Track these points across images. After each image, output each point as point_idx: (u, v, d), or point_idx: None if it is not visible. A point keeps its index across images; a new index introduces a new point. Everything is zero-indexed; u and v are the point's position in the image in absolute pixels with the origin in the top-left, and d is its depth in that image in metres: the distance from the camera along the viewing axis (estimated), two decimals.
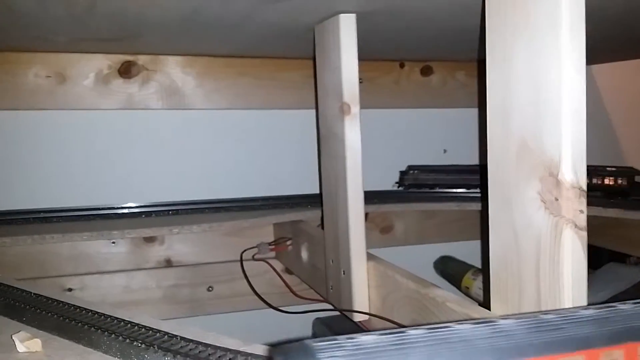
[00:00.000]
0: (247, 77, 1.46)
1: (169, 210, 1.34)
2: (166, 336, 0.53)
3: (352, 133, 0.92)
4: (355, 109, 0.92)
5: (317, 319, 1.45)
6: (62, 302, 0.63)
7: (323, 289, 1.11)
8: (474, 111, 1.65)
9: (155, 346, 0.50)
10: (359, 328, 1.00)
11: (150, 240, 1.35)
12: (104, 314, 0.59)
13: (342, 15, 0.91)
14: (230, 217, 1.29)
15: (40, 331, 0.58)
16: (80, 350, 0.54)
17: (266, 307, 1.35)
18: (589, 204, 0.56)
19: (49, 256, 1.28)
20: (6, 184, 1.31)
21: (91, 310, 0.60)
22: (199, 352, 0.49)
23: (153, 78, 1.36)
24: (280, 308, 1.22)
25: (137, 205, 1.32)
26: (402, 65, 1.59)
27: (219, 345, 0.52)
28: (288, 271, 1.41)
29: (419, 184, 1.50)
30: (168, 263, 1.37)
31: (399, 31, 1.12)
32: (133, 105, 1.35)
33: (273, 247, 1.34)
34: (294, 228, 1.30)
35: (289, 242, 1.33)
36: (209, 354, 0.48)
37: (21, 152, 1.33)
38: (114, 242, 1.32)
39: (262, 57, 1.47)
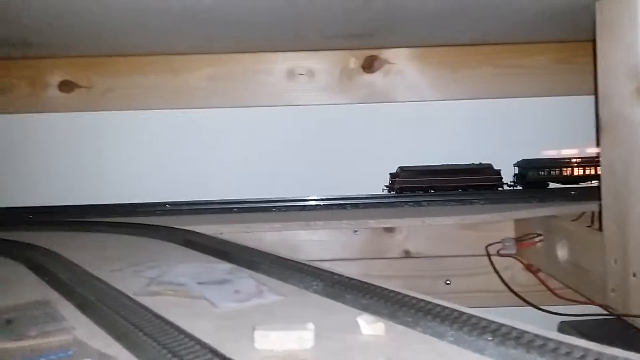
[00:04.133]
0: (486, 65, 1.40)
1: (411, 202, 1.35)
2: (514, 331, 0.51)
3: None
4: None
5: (564, 322, 1.34)
6: (383, 287, 0.65)
7: (592, 290, 1.01)
8: None
9: (513, 341, 0.48)
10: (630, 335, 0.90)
11: (390, 230, 1.36)
12: (430, 301, 0.59)
13: None
14: (476, 210, 1.25)
15: (364, 313, 0.60)
16: (421, 338, 0.54)
17: (499, 306, 1.29)
18: None
19: (298, 242, 1.37)
20: (250, 176, 1.43)
21: (414, 297, 0.61)
22: (575, 355, 0.46)
23: (393, 71, 1.38)
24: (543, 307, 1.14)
25: (380, 195, 1.35)
26: None
27: (575, 344, 0.48)
28: (530, 269, 1.32)
29: None
30: (407, 254, 1.37)
31: None
32: (374, 98, 1.39)
33: (520, 243, 1.26)
34: (546, 224, 1.21)
35: (537, 239, 1.24)
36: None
37: (256, 145, 1.45)
38: (356, 231, 1.36)
39: (500, 43, 1.40)
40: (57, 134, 1.49)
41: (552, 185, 1.43)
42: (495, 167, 1.41)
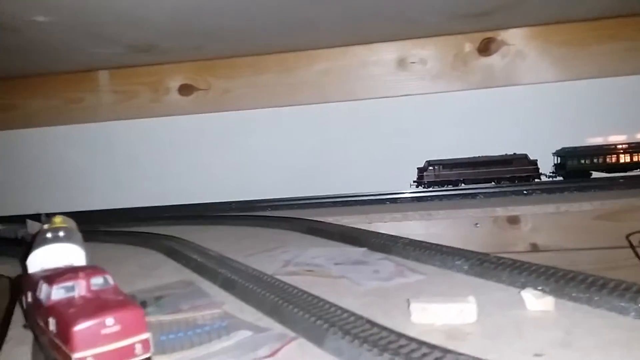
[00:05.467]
0: (617, 40, 1.28)
1: (538, 190, 1.27)
2: None
3: None
4: None
5: None
6: (541, 264, 0.60)
7: None
8: None
9: None
10: None
11: (513, 221, 1.28)
12: (601, 277, 0.54)
13: None
14: (614, 196, 1.14)
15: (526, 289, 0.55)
16: (598, 314, 0.49)
17: None
18: None
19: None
20: (363, 168, 1.41)
21: (582, 273, 0.56)
22: None
23: (512, 52, 1.30)
24: None
25: (502, 185, 1.28)
26: None
27: None
28: None
29: None
30: (534, 247, 1.28)
31: None
32: (492, 83, 1.32)
33: None
34: None
35: None
36: None
37: (367, 137, 1.43)
38: (477, 224, 1.29)
39: (630, 15, 1.28)
40: (176, 136, 1.56)
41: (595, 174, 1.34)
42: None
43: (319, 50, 1.37)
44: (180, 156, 1.55)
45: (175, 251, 0.87)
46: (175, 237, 0.98)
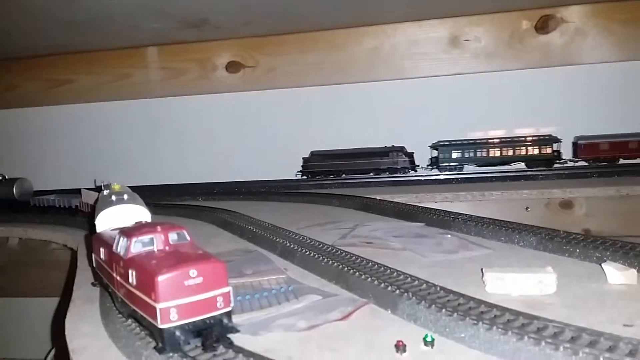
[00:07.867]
0: None
1: (596, 173, 1.23)
2: None
3: None
4: None
5: None
6: (616, 240, 0.57)
7: None
8: None
9: None
10: None
11: (566, 206, 1.24)
12: None
13: None
14: None
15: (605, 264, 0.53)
16: None
17: None
18: None
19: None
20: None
21: None
22: None
23: (571, 30, 1.25)
24: None
25: (550, 168, 1.25)
26: None
27: None
28: None
29: None
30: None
31: None
32: (550, 62, 1.27)
33: None
34: None
35: None
36: None
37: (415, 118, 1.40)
38: (528, 208, 1.26)
39: None
40: (223, 113, 1.56)
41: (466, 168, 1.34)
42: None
43: (368, 27, 1.35)
44: (226, 133, 1.55)
45: (229, 223, 0.87)
46: (226, 209, 0.98)
